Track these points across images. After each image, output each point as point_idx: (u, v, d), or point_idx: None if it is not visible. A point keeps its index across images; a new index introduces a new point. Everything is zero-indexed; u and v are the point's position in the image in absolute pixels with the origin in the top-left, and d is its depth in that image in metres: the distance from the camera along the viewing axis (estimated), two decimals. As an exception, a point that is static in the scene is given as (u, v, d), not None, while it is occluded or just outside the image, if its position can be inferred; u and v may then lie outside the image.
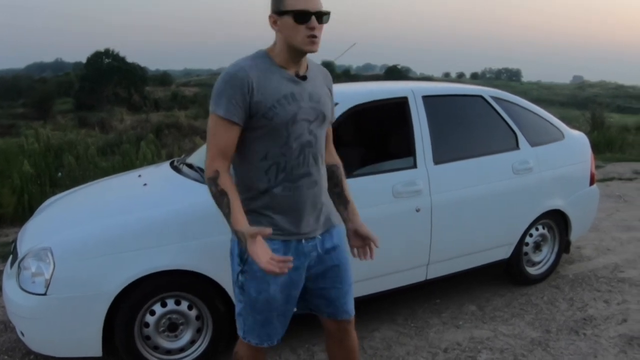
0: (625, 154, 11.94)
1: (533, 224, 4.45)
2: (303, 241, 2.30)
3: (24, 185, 6.89)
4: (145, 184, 3.88)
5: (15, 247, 3.66)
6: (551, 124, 4.68)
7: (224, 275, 3.24)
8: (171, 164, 4.27)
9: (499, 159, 4.20)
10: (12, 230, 6.19)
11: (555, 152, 4.53)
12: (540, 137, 4.49)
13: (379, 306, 4.12)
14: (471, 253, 4.16)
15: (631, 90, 72.50)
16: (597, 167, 6.03)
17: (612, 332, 3.83)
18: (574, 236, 4.77)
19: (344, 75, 51.16)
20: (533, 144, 4.39)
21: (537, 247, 4.61)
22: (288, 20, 2.12)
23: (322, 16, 2.15)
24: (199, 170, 3.77)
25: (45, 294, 3.04)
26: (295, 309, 2.42)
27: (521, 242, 4.42)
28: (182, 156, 4.64)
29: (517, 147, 4.32)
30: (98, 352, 3.14)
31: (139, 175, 4.19)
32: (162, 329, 3.28)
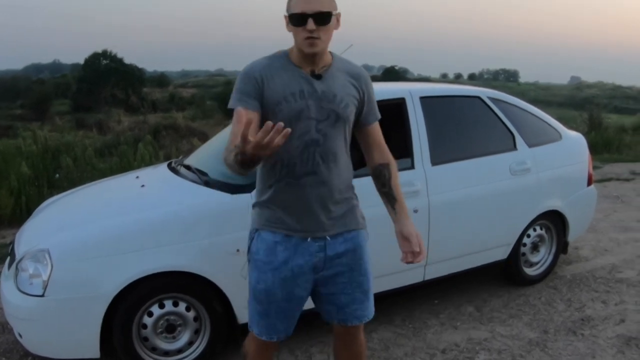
0: (623, 155, 11.97)
1: (531, 225, 4.45)
2: (308, 239, 2.30)
3: (21, 187, 6.89)
4: (142, 186, 3.88)
5: (12, 249, 3.66)
6: (549, 124, 4.68)
7: (221, 277, 3.25)
8: (169, 166, 4.28)
9: (497, 160, 4.21)
10: (9, 232, 6.19)
11: (553, 153, 4.53)
12: (538, 137, 4.50)
13: (377, 307, 4.07)
14: (469, 254, 4.16)
15: (629, 90, 72.61)
16: (594, 167, 6.03)
17: (609, 332, 3.84)
18: (571, 237, 4.78)
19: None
20: (530, 144, 4.39)
21: (535, 247, 4.61)
22: (290, 22, 2.18)
23: (322, 17, 2.14)
24: (197, 171, 3.78)
25: (42, 296, 3.03)
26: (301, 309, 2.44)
27: (519, 242, 4.43)
28: (180, 157, 4.64)
29: (514, 147, 4.32)
30: (96, 354, 3.13)
31: (137, 177, 4.20)
32: (160, 330, 3.27)
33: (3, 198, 6.63)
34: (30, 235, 3.58)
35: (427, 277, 4.03)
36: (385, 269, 3.75)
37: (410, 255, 2.36)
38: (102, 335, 3.11)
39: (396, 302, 4.23)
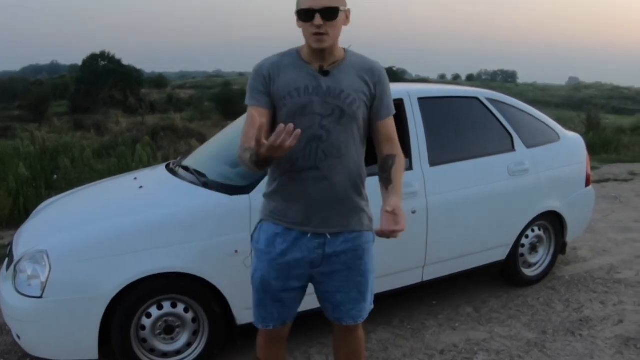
0: (621, 155, 11.97)
1: (529, 226, 4.46)
2: (309, 235, 2.33)
3: (19, 188, 6.88)
4: (141, 187, 3.88)
5: (11, 250, 3.65)
6: (547, 125, 4.69)
7: (220, 278, 3.25)
8: (167, 167, 4.27)
9: (495, 161, 4.21)
10: (7, 233, 6.17)
11: (551, 154, 4.54)
12: (536, 138, 4.50)
13: (375, 308, 4.07)
14: (467, 255, 4.16)
15: (626, 91, 72.64)
16: (592, 168, 6.05)
17: (608, 333, 3.84)
18: (569, 237, 4.78)
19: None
20: (529, 145, 4.40)
21: (533, 248, 4.62)
22: (299, 18, 2.22)
23: (329, 12, 2.16)
24: (195, 172, 3.77)
25: (41, 297, 3.03)
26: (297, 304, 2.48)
27: (517, 243, 4.43)
28: (178, 158, 4.64)
29: (512, 148, 4.33)
30: (94, 355, 3.13)
31: (135, 178, 4.19)
32: (158, 331, 3.27)
33: (1, 199, 6.62)
34: (29, 237, 3.58)
35: (426, 278, 4.03)
36: (384, 269, 3.75)
37: (387, 225, 2.12)
38: (100, 337, 3.10)
39: (395, 303, 4.23)
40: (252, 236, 2.49)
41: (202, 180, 3.62)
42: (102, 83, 43.72)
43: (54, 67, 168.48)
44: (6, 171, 7.26)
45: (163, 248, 3.17)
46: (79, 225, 3.43)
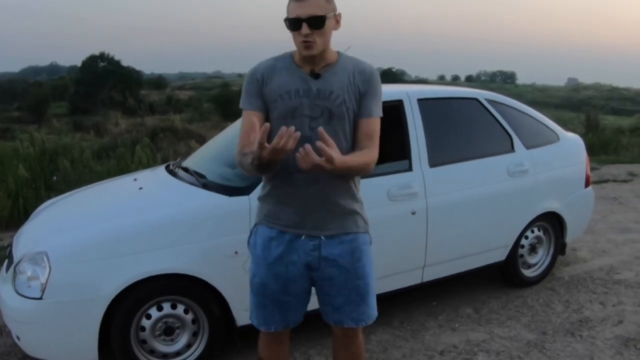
0: (620, 156, 11.98)
1: (529, 226, 4.46)
2: (303, 237, 2.34)
3: (19, 189, 6.87)
4: (140, 188, 3.88)
5: (10, 251, 3.65)
6: (546, 126, 4.69)
7: (219, 279, 3.25)
8: (167, 168, 4.27)
9: (495, 162, 4.21)
10: (7, 235, 6.17)
11: (551, 155, 4.54)
12: (536, 139, 4.51)
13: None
14: (467, 255, 4.17)
15: (625, 92, 72.70)
16: (592, 169, 6.05)
17: (608, 333, 3.84)
18: (569, 238, 4.78)
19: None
20: (528, 146, 4.40)
21: (533, 249, 4.62)
22: (287, 27, 2.25)
23: (315, 21, 2.18)
24: (195, 174, 3.77)
25: (41, 298, 3.03)
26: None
27: (517, 244, 4.43)
28: (178, 160, 4.64)
29: (512, 149, 4.33)
30: (94, 356, 3.13)
31: (135, 179, 4.19)
32: (158, 332, 3.27)
33: (0, 200, 6.62)
34: (28, 238, 3.58)
35: (426, 279, 4.03)
36: (384, 270, 3.75)
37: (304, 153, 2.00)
38: (100, 338, 3.10)
39: (394, 304, 4.23)
40: (248, 241, 2.50)
41: (202, 181, 3.63)
42: (102, 84, 43.70)
43: (53, 68, 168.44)
44: (5, 172, 7.26)
45: (163, 249, 3.17)
46: (79, 227, 3.43)
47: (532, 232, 4.56)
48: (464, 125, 4.28)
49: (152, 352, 3.28)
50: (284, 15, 2.25)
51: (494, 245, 4.29)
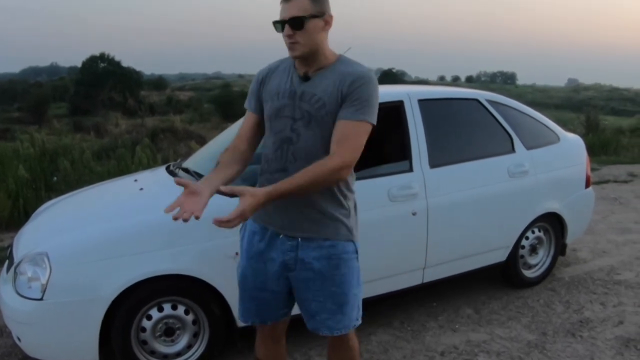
0: (620, 157, 11.98)
1: (529, 227, 4.46)
2: (281, 236, 2.36)
3: (19, 190, 6.87)
4: (141, 189, 3.88)
5: (11, 252, 3.65)
6: (546, 127, 4.69)
7: (220, 280, 3.25)
8: (167, 169, 4.27)
9: (495, 162, 4.21)
10: (7, 235, 6.17)
11: (551, 155, 4.54)
12: (536, 140, 4.51)
13: (376, 310, 4.12)
14: (468, 256, 4.17)
15: (626, 92, 72.68)
16: (592, 169, 6.05)
17: (608, 334, 3.84)
18: (569, 239, 4.78)
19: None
20: (529, 147, 4.40)
21: (534, 249, 4.62)
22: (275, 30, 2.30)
23: (296, 22, 2.19)
24: (195, 174, 3.77)
25: (41, 299, 3.03)
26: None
27: (517, 245, 4.43)
28: (178, 160, 4.64)
29: (512, 150, 4.33)
30: (95, 357, 3.13)
31: (135, 180, 4.19)
32: (158, 333, 3.27)
33: (1, 201, 6.62)
34: (29, 239, 3.58)
35: (426, 280, 4.03)
36: (385, 271, 3.75)
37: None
38: (100, 339, 3.10)
39: (395, 305, 4.23)
40: (240, 234, 2.57)
41: (203, 182, 3.62)
42: (102, 85, 43.69)
43: (53, 69, 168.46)
44: (6, 173, 7.26)
45: (163, 250, 3.17)
46: (79, 227, 3.43)
47: (533, 232, 4.56)
48: (464, 125, 4.28)
49: (152, 352, 3.28)
50: None
51: (494, 246, 4.29)
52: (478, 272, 4.33)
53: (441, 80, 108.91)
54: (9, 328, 3.37)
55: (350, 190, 2.39)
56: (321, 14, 2.23)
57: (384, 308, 4.17)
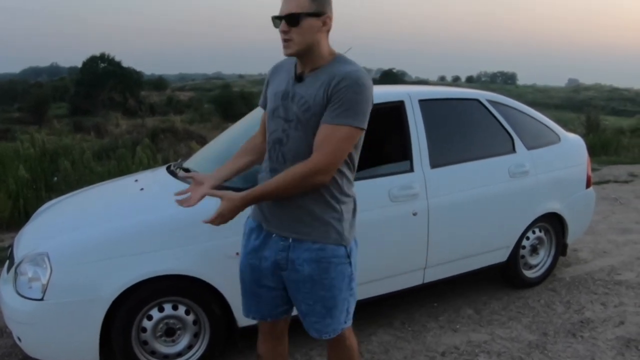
0: (621, 157, 11.98)
1: (530, 227, 4.46)
2: (274, 235, 2.38)
3: (19, 190, 6.88)
4: (142, 189, 3.88)
5: (11, 252, 3.65)
6: (547, 127, 4.69)
7: (220, 280, 3.25)
8: (168, 169, 4.27)
9: (496, 163, 4.21)
10: (7, 236, 6.17)
11: (552, 155, 4.54)
12: (537, 140, 4.50)
13: (376, 310, 4.12)
14: (468, 256, 4.16)
15: (626, 92, 72.66)
16: (592, 170, 6.05)
17: (609, 334, 3.84)
18: (570, 239, 4.78)
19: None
20: (529, 147, 4.40)
21: (534, 250, 4.62)
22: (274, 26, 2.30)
23: (291, 19, 2.18)
24: (196, 174, 3.77)
25: (42, 299, 3.03)
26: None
27: (518, 245, 4.43)
28: (179, 160, 4.64)
29: (513, 150, 4.33)
30: (95, 357, 3.12)
31: (136, 180, 4.19)
32: (159, 333, 3.27)
33: (1, 201, 6.62)
34: (29, 239, 3.58)
35: (427, 280, 4.02)
36: (385, 272, 3.75)
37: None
38: (101, 339, 3.10)
39: (395, 305, 4.23)
40: (243, 229, 2.59)
41: (203, 182, 3.61)
42: (102, 85, 43.72)
43: (53, 69, 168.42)
44: (6, 173, 7.26)
45: (164, 250, 3.17)
46: (80, 228, 3.43)
47: (533, 232, 4.56)
48: (465, 126, 4.28)
49: (153, 353, 3.28)
50: None
51: (495, 246, 4.29)
52: (479, 273, 4.32)
53: (442, 81, 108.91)
54: (10, 328, 3.37)
55: (344, 194, 2.33)
56: (319, 14, 2.21)
57: (385, 308, 4.17)
